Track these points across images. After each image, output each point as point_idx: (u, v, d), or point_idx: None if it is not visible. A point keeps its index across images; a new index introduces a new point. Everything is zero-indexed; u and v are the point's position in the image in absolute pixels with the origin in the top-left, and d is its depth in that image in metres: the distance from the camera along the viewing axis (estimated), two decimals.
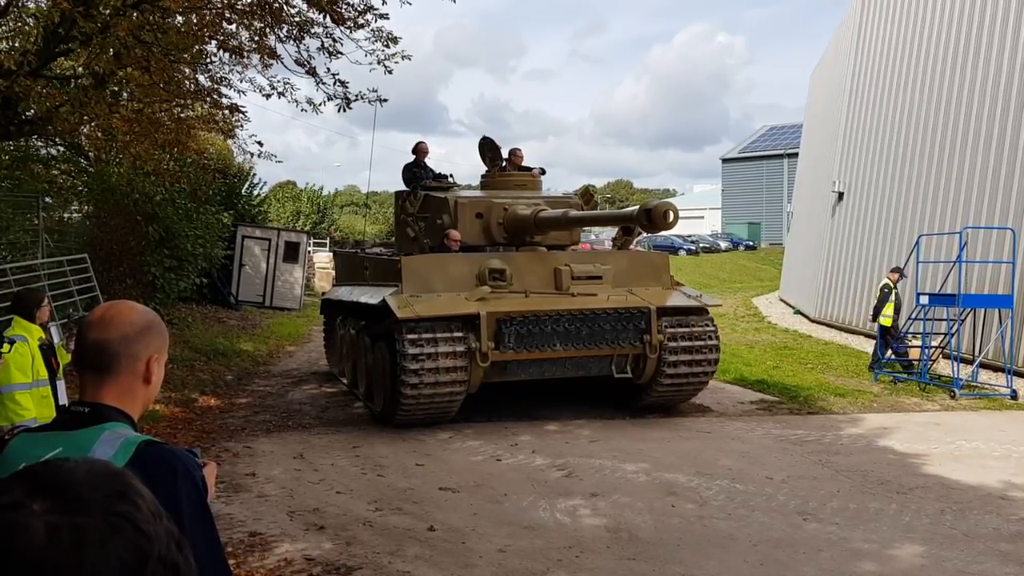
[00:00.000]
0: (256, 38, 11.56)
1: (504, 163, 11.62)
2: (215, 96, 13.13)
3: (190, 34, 10.85)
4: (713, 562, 5.67)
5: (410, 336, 8.85)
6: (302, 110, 12.95)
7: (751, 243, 59.10)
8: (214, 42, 11.64)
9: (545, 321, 9.20)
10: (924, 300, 13.30)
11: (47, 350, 6.37)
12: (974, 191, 15.43)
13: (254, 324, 19.89)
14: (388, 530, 6.28)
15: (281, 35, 11.77)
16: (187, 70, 12.47)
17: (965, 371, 13.15)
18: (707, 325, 10.00)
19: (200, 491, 1.79)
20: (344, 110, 12.51)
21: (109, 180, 15.31)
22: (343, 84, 12.31)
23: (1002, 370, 12.86)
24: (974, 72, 15.85)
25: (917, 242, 14.53)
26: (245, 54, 11.88)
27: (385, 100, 12.63)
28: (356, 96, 12.41)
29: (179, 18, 11.21)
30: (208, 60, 12.64)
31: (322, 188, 54.51)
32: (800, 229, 28.13)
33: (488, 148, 11.66)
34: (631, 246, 11.67)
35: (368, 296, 10.20)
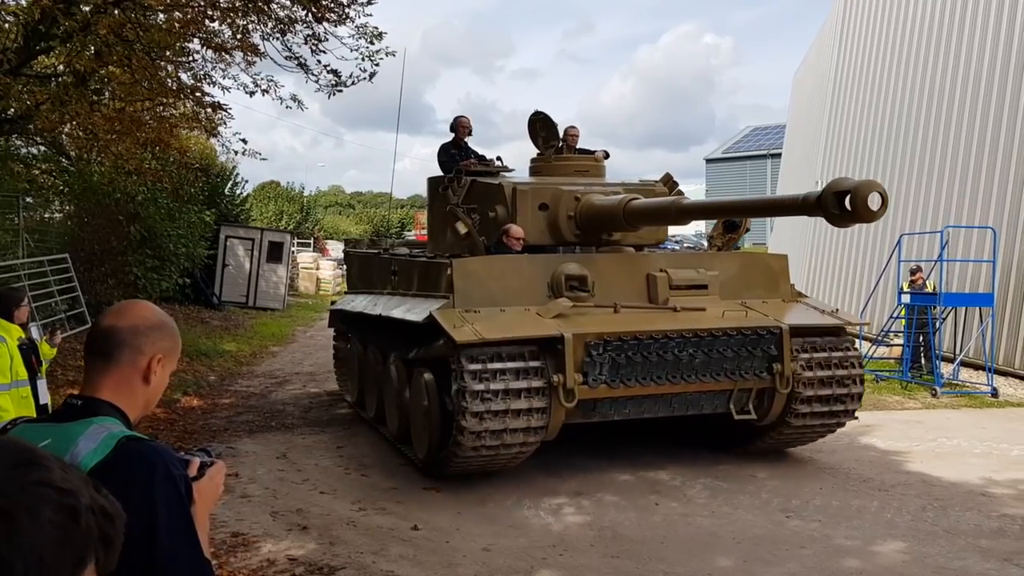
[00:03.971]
0: (239, 35, 11.52)
1: (561, 144, 9.66)
2: (198, 94, 13.08)
3: (172, 31, 10.80)
4: (696, 560, 5.69)
5: (472, 367, 6.74)
6: (287, 107, 12.98)
7: None
8: (197, 39, 11.61)
9: (648, 346, 7.10)
10: (906, 299, 13.39)
11: (27, 350, 6.32)
12: (955, 191, 15.55)
13: (237, 324, 19.79)
14: (372, 530, 6.27)
15: (265, 31, 11.74)
16: (170, 68, 12.42)
17: (947, 369, 13.26)
18: (848, 349, 7.97)
19: (180, 490, 1.77)
20: (333, 95, 12.48)
21: (90, 179, 15.22)
22: (335, 72, 12.26)
23: (983, 368, 12.97)
24: (955, 73, 15.97)
25: (899, 241, 14.63)
26: (229, 51, 11.84)
27: (374, 73, 12.50)
28: (348, 79, 12.31)
29: (161, 15, 11.17)
30: (191, 58, 12.60)
31: (303, 187, 54.25)
32: (783, 229, 28.28)
33: (542, 126, 9.64)
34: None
35: (404, 310, 8.12)
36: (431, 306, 7.36)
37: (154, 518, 1.70)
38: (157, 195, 16.40)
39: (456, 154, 9.81)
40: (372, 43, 12.00)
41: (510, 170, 9.44)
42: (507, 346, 6.92)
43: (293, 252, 28.86)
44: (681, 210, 7.62)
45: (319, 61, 12.20)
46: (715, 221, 9.26)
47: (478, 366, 6.77)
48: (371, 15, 11.50)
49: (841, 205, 5.88)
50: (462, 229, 8.38)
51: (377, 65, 12.05)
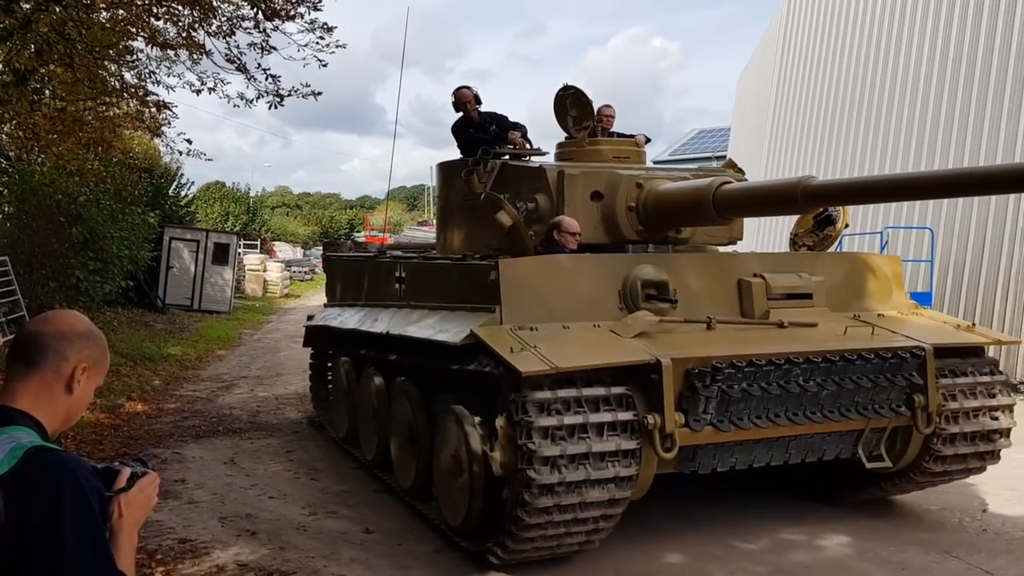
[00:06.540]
0: (184, 34, 11.35)
1: (596, 126, 7.93)
2: (142, 93, 12.87)
3: (116, 30, 10.62)
4: (647, 558, 5.76)
5: (544, 421, 4.91)
6: (235, 106, 12.78)
7: None
8: (141, 38, 11.42)
9: (768, 374, 5.39)
10: None
11: None
12: None
13: (182, 328, 19.49)
14: (323, 534, 6.23)
15: (210, 30, 11.59)
16: (113, 67, 12.20)
17: None
18: (995, 373, 6.39)
19: (89, 503, 1.73)
20: (276, 107, 12.35)
21: (31, 180, 14.86)
22: (275, 78, 12.15)
23: None
24: (894, 74, 16.38)
25: (840, 241, 14.95)
26: (174, 48, 11.66)
27: (319, 93, 12.46)
28: (289, 92, 12.23)
29: (104, 14, 10.96)
30: (135, 57, 12.38)
31: (249, 188, 53.58)
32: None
33: (573, 103, 7.58)
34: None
35: (425, 327, 6.35)
36: (467, 322, 5.67)
37: (60, 532, 1.66)
38: (100, 196, 16.06)
39: (473, 132, 7.99)
40: (322, 37, 11.88)
41: (543, 153, 7.88)
42: (585, 383, 5.06)
43: (239, 254, 28.50)
44: (809, 193, 5.56)
45: (259, 65, 12.07)
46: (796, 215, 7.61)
47: (552, 421, 4.91)
48: (321, 10, 11.36)
49: None
50: (506, 221, 6.47)
51: (325, 65, 11.94)
